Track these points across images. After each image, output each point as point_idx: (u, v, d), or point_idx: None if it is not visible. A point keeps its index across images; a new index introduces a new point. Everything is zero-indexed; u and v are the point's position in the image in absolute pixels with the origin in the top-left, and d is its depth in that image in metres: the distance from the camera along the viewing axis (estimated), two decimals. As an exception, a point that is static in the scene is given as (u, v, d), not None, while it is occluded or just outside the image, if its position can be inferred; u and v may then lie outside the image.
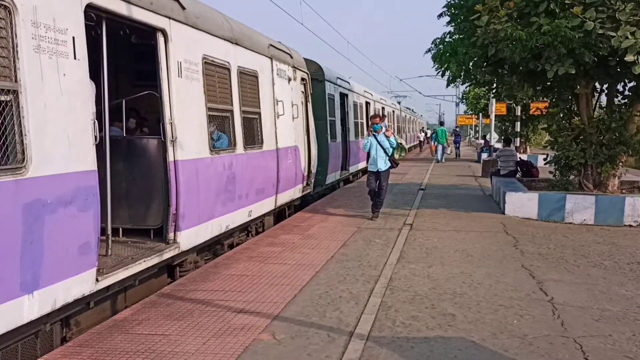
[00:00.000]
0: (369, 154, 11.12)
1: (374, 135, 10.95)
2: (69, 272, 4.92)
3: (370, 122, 11.46)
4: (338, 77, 17.46)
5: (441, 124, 34.33)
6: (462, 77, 13.11)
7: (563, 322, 5.34)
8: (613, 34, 8.93)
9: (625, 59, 8.91)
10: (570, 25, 9.10)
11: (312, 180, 13.41)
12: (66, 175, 4.90)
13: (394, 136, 11.27)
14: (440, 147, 30.50)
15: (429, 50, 12.77)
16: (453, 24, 12.26)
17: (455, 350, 4.65)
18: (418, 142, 51.17)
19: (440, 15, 12.48)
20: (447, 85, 14.21)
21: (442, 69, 12.54)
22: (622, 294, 6.26)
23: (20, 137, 4.42)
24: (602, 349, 4.70)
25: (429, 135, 44.69)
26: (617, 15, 9.00)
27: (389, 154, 10.95)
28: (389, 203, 13.39)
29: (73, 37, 5.02)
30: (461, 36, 11.90)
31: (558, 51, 9.47)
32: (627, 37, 8.78)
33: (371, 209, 11.29)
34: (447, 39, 12.48)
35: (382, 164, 10.96)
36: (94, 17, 5.55)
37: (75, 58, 5.04)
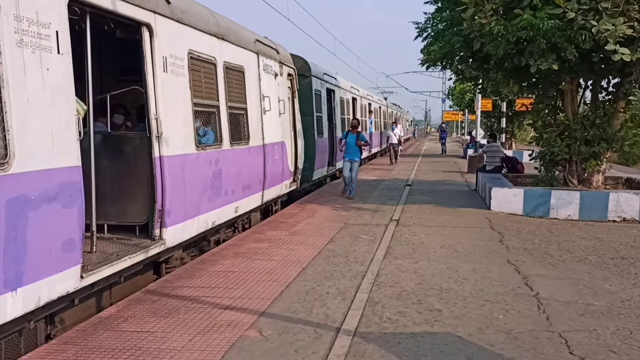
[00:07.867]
0: None
1: None
2: (53, 269, 4.86)
3: None
4: (325, 73, 17.44)
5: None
6: (443, 63, 13.08)
7: (548, 317, 5.38)
8: (595, 23, 9.00)
9: (606, 47, 8.98)
10: (551, 12, 9.16)
11: (299, 176, 13.39)
12: (50, 171, 4.84)
13: None
14: None
15: (416, 23, 12.78)
16: (439, 18, 12.30)
17: (442, 345, 4.67)
18: (388, 144, 27.91)
19: (427, 3, 12.57)
20: (423, 64, 13.03)
21: (428, 54, 12.55)
22: (606, 289, 6.32)
23: (2, 133, 4.35)
24: (587, 343, 4.74)
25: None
26: (599, 5, 9.06)
27: None
28: (375, 199, 13.43)
29: (57, 32, 4.95)
30: (445, 25, 11.96)
31: (540, 46, 9.53)
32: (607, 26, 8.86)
33: None
34: (434, 23, 12.49)
35: None
36: (77, 11, 5.47)
37: (58, 52, 4.97)
